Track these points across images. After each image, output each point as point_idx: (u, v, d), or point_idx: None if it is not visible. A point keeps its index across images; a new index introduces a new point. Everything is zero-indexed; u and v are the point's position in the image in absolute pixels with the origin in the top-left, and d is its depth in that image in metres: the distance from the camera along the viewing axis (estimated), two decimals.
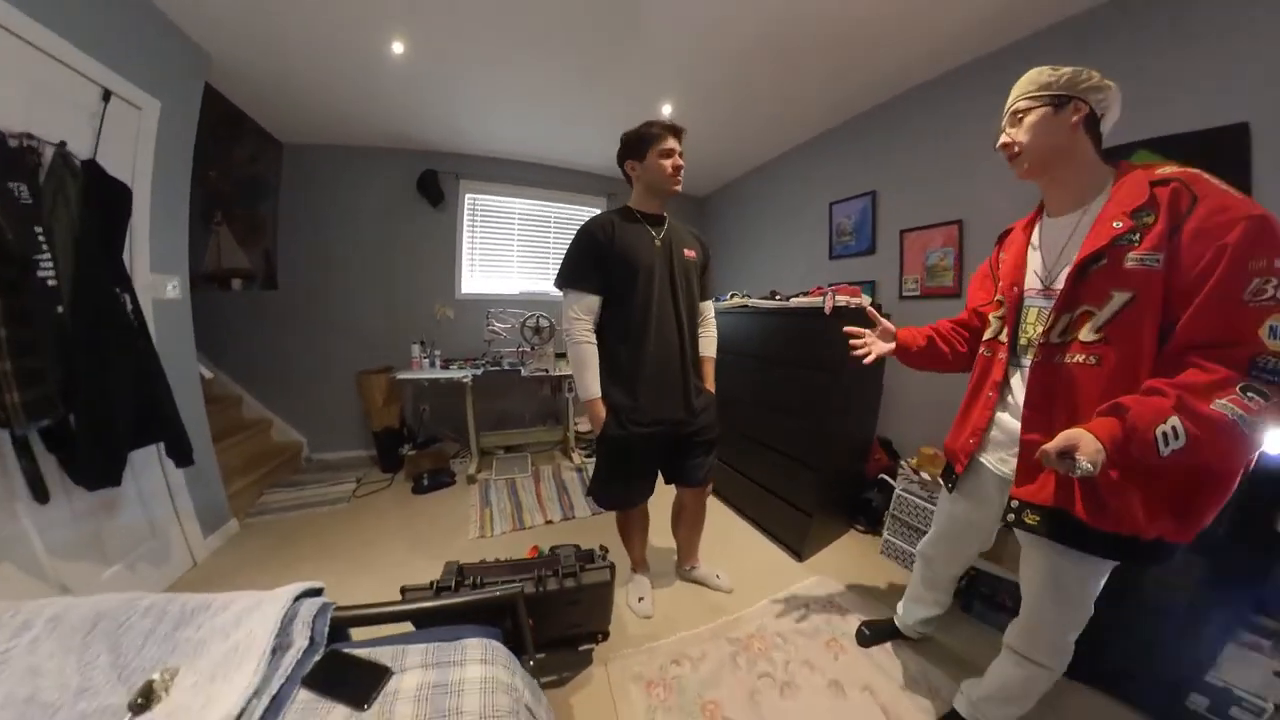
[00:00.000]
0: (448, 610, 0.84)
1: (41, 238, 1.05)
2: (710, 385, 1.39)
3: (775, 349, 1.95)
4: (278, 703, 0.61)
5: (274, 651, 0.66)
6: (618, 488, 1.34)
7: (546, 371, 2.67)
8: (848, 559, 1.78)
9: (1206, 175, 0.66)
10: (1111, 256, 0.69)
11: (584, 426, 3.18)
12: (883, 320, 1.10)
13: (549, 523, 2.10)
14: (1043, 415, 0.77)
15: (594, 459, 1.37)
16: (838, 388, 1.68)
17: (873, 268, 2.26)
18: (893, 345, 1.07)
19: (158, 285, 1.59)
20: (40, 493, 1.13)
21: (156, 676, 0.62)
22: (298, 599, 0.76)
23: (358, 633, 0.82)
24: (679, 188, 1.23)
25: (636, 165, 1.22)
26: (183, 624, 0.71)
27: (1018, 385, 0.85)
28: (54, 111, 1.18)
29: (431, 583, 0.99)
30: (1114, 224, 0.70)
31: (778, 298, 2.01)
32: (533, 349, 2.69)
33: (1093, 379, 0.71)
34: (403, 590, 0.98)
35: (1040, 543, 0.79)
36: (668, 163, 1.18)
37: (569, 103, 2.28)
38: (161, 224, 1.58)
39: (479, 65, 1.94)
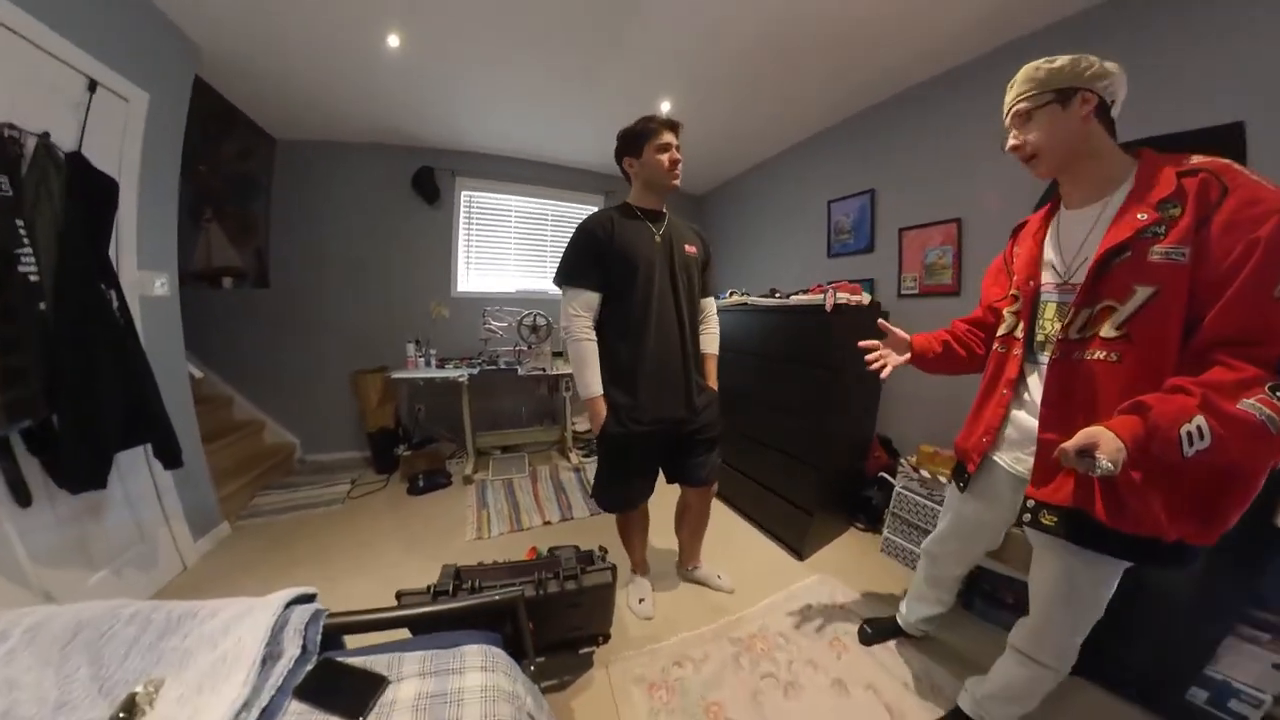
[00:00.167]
0: (445, 615, 0.82)
1: (23, 231, 1.02)
2: (713, 382, 1.37)
3: (775, 347, 1.94)
4: (268, 715, 0.58)
5: (264, 661, 0.63)
6: (620, 489, 1.32)
7: (544, 370, 2.65)
8: (848, 557, 1.77)
9: (1237, 166, 0.64)
10: (1135, 249, 0.67)
11: (581, 426, 3.16)
12: (895, 331, 1.06)
13: (547, 523, 2.08)
14: (1060, 414, 0.75)
15: (593, 459, 1.35)
16: (837, 386, 1.67)
17: (871, 266, 2.25)
18: (908, 356, 1.04)
19: (145, 282, 1.55)
20: (22, 496, 1.10)
21: (140, 689, 0.59)
22: (289, 605, 0.73)
23: (352, 640, 0.79)
24: (677, 182, 1.21)
25: (634, 162, 1.21)
26: (168, 633, 0.68)
27: (1034, 383, 0.83)
28: (37, 101, 1.14)
29: (428, 587, 0.97)
30: (1138, 215, 0.67)
31: (777, 295, 2.01)
32: (529, 348, 2.67)
33: (1113, 377, 0.69)
34: (398, 595, 0.95)
35: (1056, 544, 0.77)
36: (664, 157, 1.17)
37: (567, 100, 2.26)
38: (149, 219, 1.54)
39: (476, 62, 1.91)
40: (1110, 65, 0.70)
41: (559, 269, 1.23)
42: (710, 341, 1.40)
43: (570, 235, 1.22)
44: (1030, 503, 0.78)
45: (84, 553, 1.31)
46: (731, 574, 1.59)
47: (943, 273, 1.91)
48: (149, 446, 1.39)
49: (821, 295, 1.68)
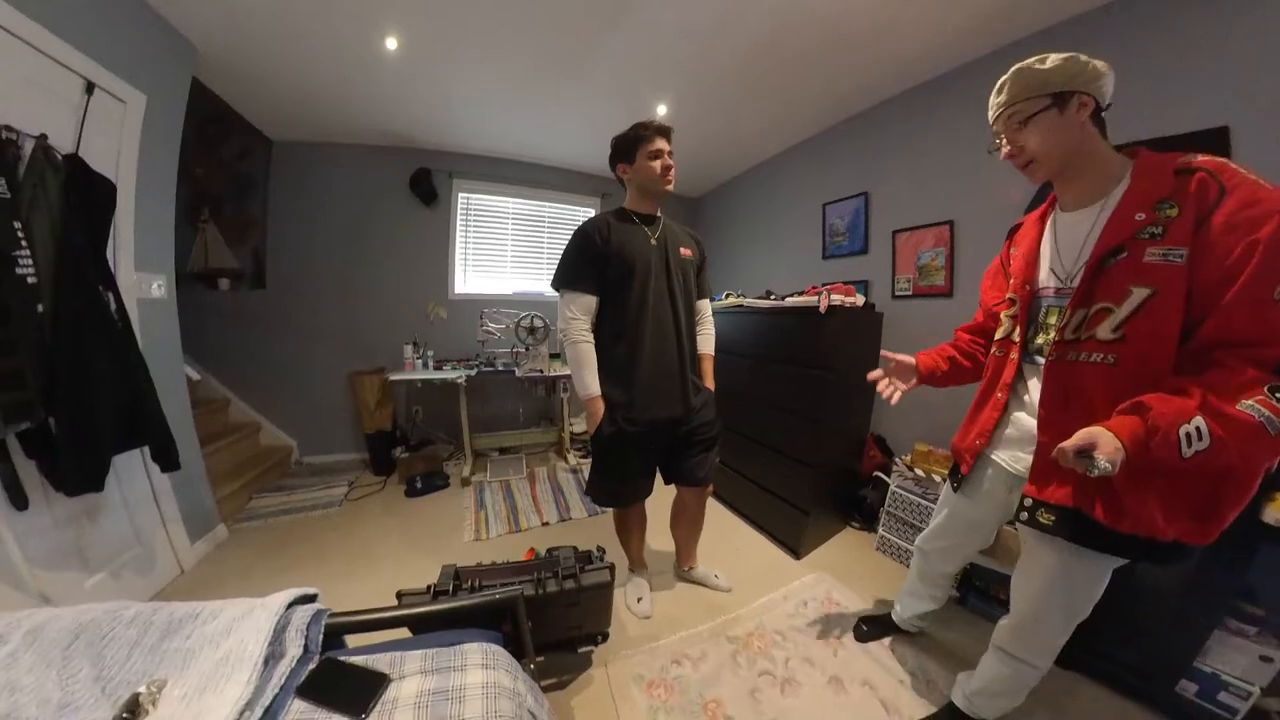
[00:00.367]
0: (446, 615, 0.82)
1: (20, 233, 1.01)
2: (710, 382, 1.39)
3: (770, 348, 1.96)
4: (271, 714, 0.59)
5: (267, 661, 0.64)
6: (614, 485, 1.33)
7: (541, 372, 2.65)
8: (844, 556, 1.79)
9: (1234, 164, 0.63)
10: (1132, 250, 0.66)
11: (579, 427, 3.16)
12: (898, 357, 1.05)
13: (545, 524, 2.08)
14: (1058, 416, 0.74)
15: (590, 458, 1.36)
16: (832, 386, 1.69)
17: (866, 268, 2.28)
18: (915, 381, 1.04)
19: (142, 284, 1.55)
20: (19, 498, 1.09)
21: (143, 689, 0.60)
22: (290, 606, 0.74)
23: (353, 641, 0.80)
24: (670, 187, 1.23)
25: (627, 168, 1.23)
26: (170, 634, 0.68)
27: (1034, 384, 0.82)
28: (34, 103, 1.14)
29: (428, 587, 0.97)
30: (1136, 216, 0.66)
31: (773, 297, 2.02)
32: (527, 349, 2.67)
33: (1109, 379, 0.69)
34: (399, 595, 0.96)
35: (1055, 542, 0.77)
36: (656, 164, 1.19)
37: (563, 104, 2.27)
38: (146, 221, 1.54)
39: (474, 64, 1.92)
40: (1101, 65, 0.69)
41: (557, 273, 1.24)
42: (706, 342, 1.41)
43: (567, 238, 1.24)
44: (1028, 501, 0.78)
45: (81, 556, 1.30)
46: (729, 573, 1.60)
47: (935, 274, 1.93)
48: (146, 449, 1.39)
49: (816, 297, 1.70)
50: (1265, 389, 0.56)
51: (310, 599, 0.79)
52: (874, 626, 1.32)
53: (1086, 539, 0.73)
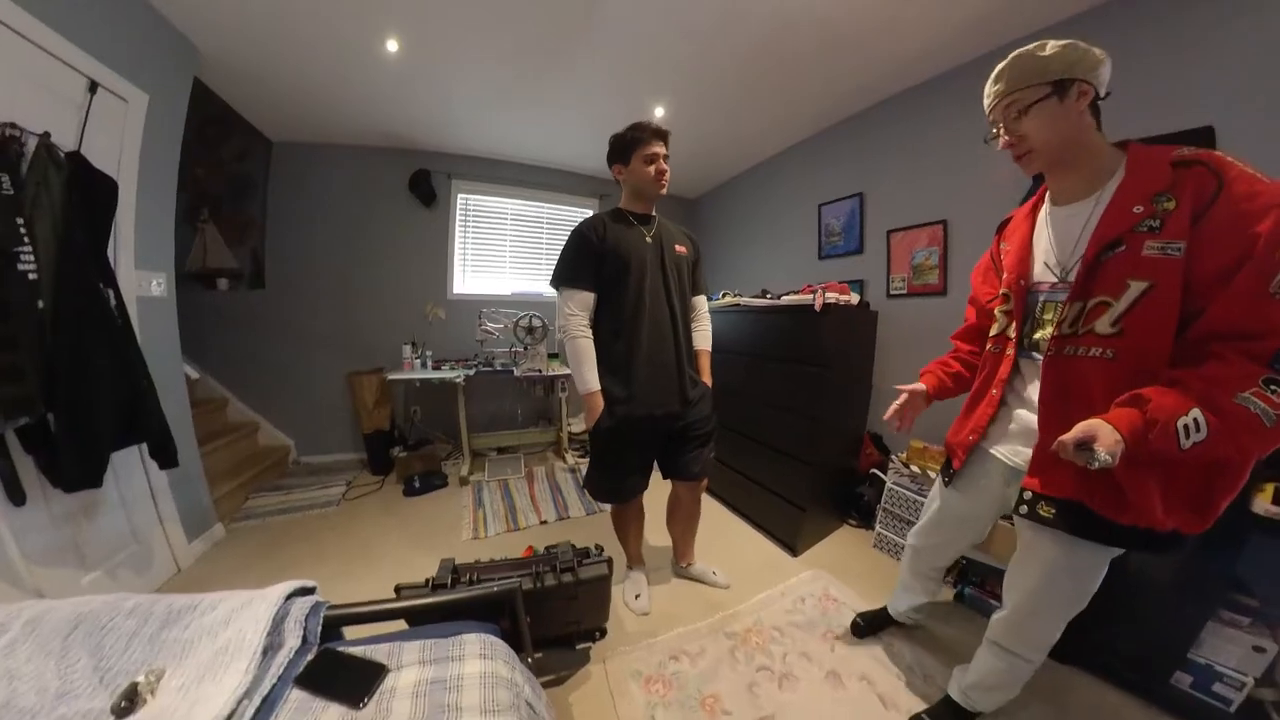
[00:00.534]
0: (444, 607, 0.83)
1: (23, 230, 1.02)
2: (706, 378, 1.40)
3: (767, 346, 1.97)
4: (269, 703, 0.59)
5: (265, 651, 0.64)
6: (612, 481, 1.34)
7: (539, 372, 2.66)
8: (841, 553, 1.80)
9: (1230, 157, 0.63)
10: (1130, 243, 0.66)
11: (577, 427, 3.17)
12: (909, 388, 1.06)
13: (543, 523, 2.08)
14: (1057, 410, 0.74)
15: (588, 459, 1.37)
16: (829, 383, 1.70)
17: (861, 267, 2.29)
18: (925, 405, 1.06)
19: (142, 282, 1.56)
20: (16, 494, 1.09)
21: (141, 678, 0.60)
22: (289, 597, 0.75)
23: (351, 633, 0.80)
24: (664, 191, 1.25)
25: (623, 169, 1.25)
26: (169, 624, 0.69)
27: (1032, 378, 0.82)
28: (38, 101, 1.15)
29: (427, 580, 0.98)
30: (1133, 209, 0.66)
31: (769, 296, 2.04)
32: (525, 349, 2.68)
33: (1107, 374, 0.68)
34: (397, 589, 0.96)
35: (1056, 535, 0.76)
36: (651, 168, 1.20)
37: (562, 105, 2.29)
38: (147, 219, 1.54)
39: (474, 65, 1.93)
40: (1099, 52, 0.69)
41: (555, 271, 1.26)
42: (703, 338, 1.43)
43: (565, 239, 1.25)
44: (1027, 494, 0.78)
45: (78, 553, 1.30)
46: (726, 569, 1.60)
47: (929, 273, 1.95)
48: (144, 447, 1.39)
49: (811, 295, 1.71)
50: (1260, 381, 0.56)
51: (309, 591, 0.79)
52: (871, 621, 1.33)
53: (1087, 531, 0.73)
